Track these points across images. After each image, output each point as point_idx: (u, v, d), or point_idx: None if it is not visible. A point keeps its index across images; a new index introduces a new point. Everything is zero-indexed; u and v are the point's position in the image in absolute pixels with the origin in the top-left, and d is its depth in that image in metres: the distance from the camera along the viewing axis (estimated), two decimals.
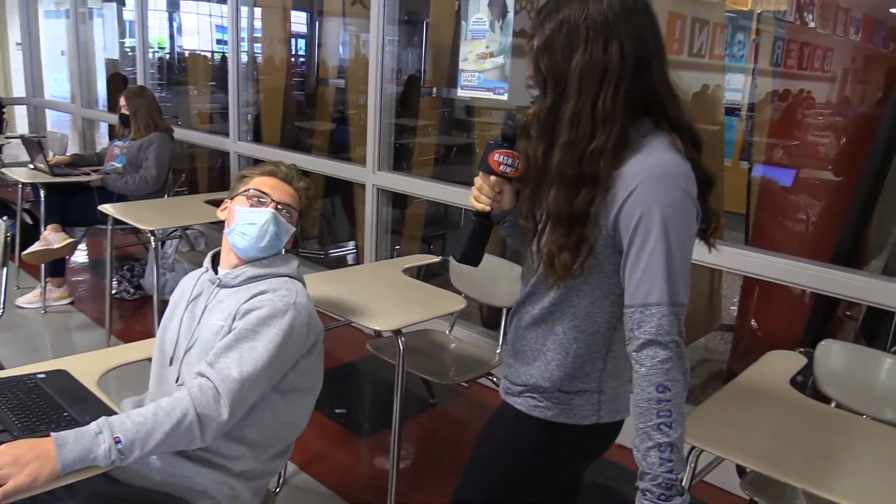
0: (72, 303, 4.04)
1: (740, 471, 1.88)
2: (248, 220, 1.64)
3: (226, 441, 1.52)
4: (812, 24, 3.22)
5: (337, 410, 3.03)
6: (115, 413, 1.43)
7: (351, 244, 5.04)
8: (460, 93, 3.29)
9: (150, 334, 3.60)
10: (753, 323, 3.32)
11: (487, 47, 3.12)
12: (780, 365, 1.98)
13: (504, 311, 2.66)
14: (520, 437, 1.37)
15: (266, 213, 1.64)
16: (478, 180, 1.32)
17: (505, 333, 2.68)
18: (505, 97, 3.10)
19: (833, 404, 1.90)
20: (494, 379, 2.58)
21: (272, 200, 1.66)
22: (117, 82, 6.58)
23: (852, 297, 2.27)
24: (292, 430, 1.66)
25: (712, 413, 1.69)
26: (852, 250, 2.53)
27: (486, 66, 3.13)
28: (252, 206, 1.66)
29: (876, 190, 2.48)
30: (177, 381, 1.62)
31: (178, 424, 1.36)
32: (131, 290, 4.15)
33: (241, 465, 1.55)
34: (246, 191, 1.69)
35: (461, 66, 3.23)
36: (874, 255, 2.78)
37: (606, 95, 1.13)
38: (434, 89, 4.43)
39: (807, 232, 2.96)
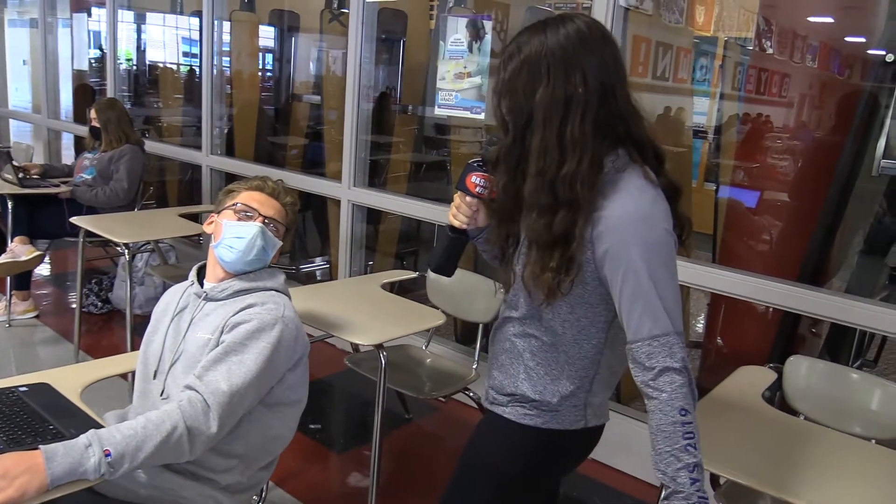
0: (37, 316, 3.96)
1: (714, 482, 1.93)
2: (236, 234, 1.65)
3: (213, 454, 1.52)
4: (770, 51, 3.34)
5: (312, 426, 3.02)
6: (101, 426, 1.43)
7: (321, 259, 5.04)
8: (437, 111, 3.33)
9: (119, 349, 3.58)
10: (719, 340, 3.41)
11: (465, 67, 3.17)
12: (751, 380, 2.05)
13: (480, 327, 2.69)
14: (510, 444, 1.38)
15: (254, 227, 1.65)
16: (456, 198, 1.36)
17: (484, 348, 2.71)
18: (482, 116, 3.16)
19: (802, 417, 1.97)
20: (471, 394, 2.61)
21: (260, 215, 1.68)
22: (84, 93, 6.50)
23: (817, 314, 2.36)
24: (278, 443, 1.66)
25: None
26: (817, 269, 2.62)
27: (463, 86, 3.19)
28: (240, 219, 1.67)
29: (839, 213, 2.58)
30: (161, 395, 1.61)
31: (167, 437, 1.36)
32: (99, 303, 4.08)
33: (227, 479, 1.55)
34: (234, 205, 1.70)
35: (439, 84, 3.28)
36: (835, 274, 2.89)
37: (574, 124, 1.16)
38: (410, 107, 4.47)
39: (770, 251, 3.07)
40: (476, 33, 3.13)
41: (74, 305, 4.16)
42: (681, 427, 1.14)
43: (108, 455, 1.28)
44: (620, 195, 1.18)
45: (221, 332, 1.56)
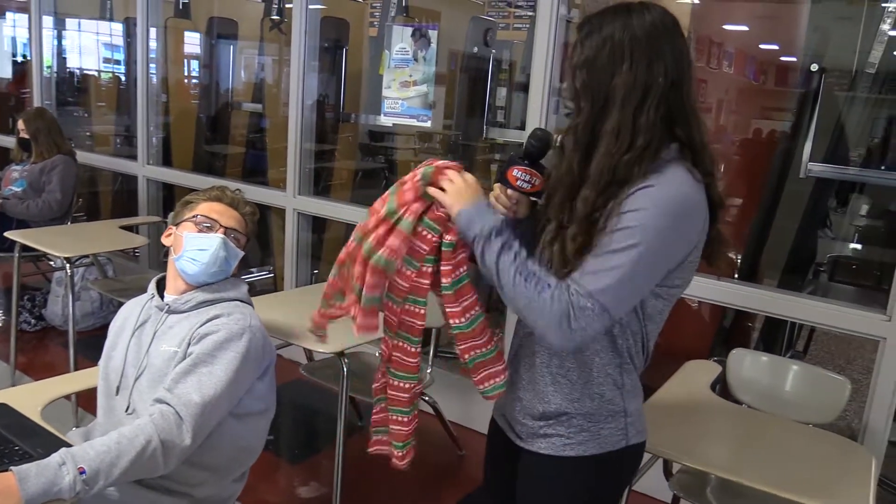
0: None
1: (667, 473, 2.03)
2: (197, 247, 1.64)
3: (186, 467, 1.50)
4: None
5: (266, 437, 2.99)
6: (68, 444, 1.40)
7: (261, 269, 4.97)
8: (383, 119, 3.37)
9: (57, 366, 3.46)
10: (659, 338, 3.54)
11: (411, 76, 3.22)
12: (698, 373, 2.16)
13: (434, 332, 2.73)
14: (560, 487, 1.32)
15: (216, 238, 1.65)
16: (497, 189, 1.35)
17: (437, 353, 2.75)
18: (428, 124, 3.21)
19: (745, 406, 2.10)
20: (426, 398, 2.65)
21: (221, 226, 1.67)
22: (3, 103, 6.23)
23: (757, 309, 2.50)
24: (249, 453, 1.66)
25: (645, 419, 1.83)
26: (752, 268, 2.78)
27: (409, 94, 3.23)
28: (200, 231, 1.66)
29: (770, 215, 2.74)
30: (127, 411, 1.59)
31: (142, 452, 1.35)
32: (32, 321, 3.92)
33: (202, 492, 1.54)
34: (193, 217, 1.68)
35: (384, 92, 3.31)
36: (766, 272, 3.06)
37: (649, 112, 1.16)
38: (353, 115, 4.48)
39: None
40: (422, 43, 3.18)
41: (1, 324, 4.00)
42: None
43: (82, 472, 1.27)
44: (660, 177, 1.16)
45: (188, 344, 1.55)
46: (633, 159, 1.16)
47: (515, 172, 1.33)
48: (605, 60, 1.18)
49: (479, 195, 1.26)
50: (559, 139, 1.31)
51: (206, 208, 1.70)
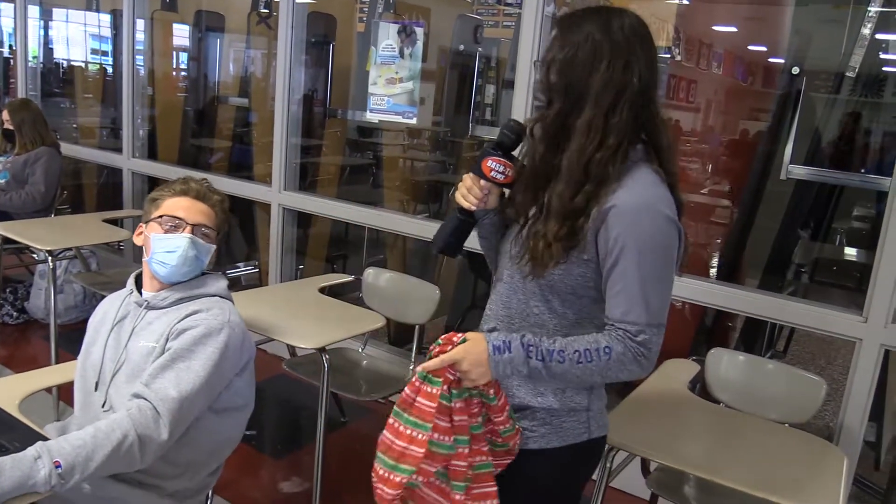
0: None
1: (645, 471, 2.05)
2: (165, 249, 1.61)
3: (161, 462, 1.50)
4: (678, 58, 3.52)
5: (247, 432, 2.97)
6: (45, 438, 1.39)
7: (247, 263, 4.95)
8: (369, 116, 3.36)
9: (39, 359, 3.44)
10: None
11: (397, 73, 3.22)
12: (676, 372, 2.18)
13: (417, 329, 2.74)
14: (523, 480, 1.35)
15: (182, 239, 1.61)
16: (467, 180, 1.36)
17: (420, 350, 2.76)
18: (414, 121, 3.21)
19: (722, 405, 2.12)
20: None
21: (187, 224, 1.63)
22: None
23: (736, 309, 2.53)
24: (226, 447, 1.67)
25: (623, 416, 1.84)
26: (733, 269, 2.80)
27: (395, 91, 3.23)
28: (167, 232, 1.62)
29: (751, 216, 2.76)
30: (103, 407, 1.59)
31: (118, 446, 1.35)
32: (14, 313, 3.89)
33: (174, 485, 1.54)
34: (159, 217, 1.65)
35: (371, 89, 3.31)
36: (748, 272, 3.09)
37: (622, 112, 1.21)
38: (339, 110, 4.47)
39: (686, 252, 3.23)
40: (408, 39, 3.18)
41: None
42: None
43: (58, 466, 1.27)
44: (630, 182, 1.22)
45: (167, 340, 1.55)
46: (606, 158, 1.21)
47: (490, 163, 1.34)
48: (583, 58, 1.22)
49: (482, 340, 1.24)
50: (529, 128, 1.32)
51: (171, 206, 1.65)
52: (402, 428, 1.22)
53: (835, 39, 2.79)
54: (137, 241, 1.70)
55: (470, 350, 1.21)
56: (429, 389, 1.21)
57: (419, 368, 1.23)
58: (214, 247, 1.69)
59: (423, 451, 1.19)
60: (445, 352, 1.23)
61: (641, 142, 1.26)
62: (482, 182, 1.35)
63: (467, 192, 1.36)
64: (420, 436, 1.20)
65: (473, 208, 1.37)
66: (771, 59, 3.29)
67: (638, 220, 1.20)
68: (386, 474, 1.23)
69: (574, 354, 1.21)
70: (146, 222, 1.68)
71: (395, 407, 1.25)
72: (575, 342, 1.22)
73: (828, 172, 2.72)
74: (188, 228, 1.63)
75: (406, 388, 1.24)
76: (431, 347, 1.26)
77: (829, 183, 2.85)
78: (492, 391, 1.26)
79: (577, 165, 1.22)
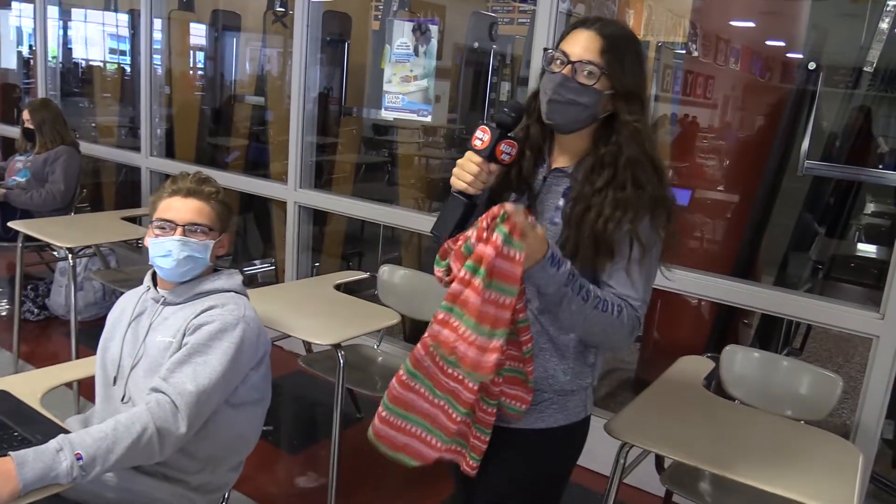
0: None
1: (659, 467, 2.05)
2: (158, 253, 1.63)
3: (182, 456, 1.53)
4: (695, 54, 3.50)
5: (264, 428, 3.01)
6: (66, 431, 1.42)
7: (262, 261, 4.99)
8: (384, 113, 3.38)
9: (60, 356, 3.49)
10: (656, 334, 3.56)
11: (411, 70, 3.23)
12: (691, 368, 2.18)
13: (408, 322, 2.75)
14: (530, 460, 1.41)
15: (172, 242, 1.61)
16: (467, 164, 1.32)
17: None
18: (429, 119, 3.22)
19: (736, 402, 2.11)
20: None
21: (177, 226, 1.63)
22: (8, 93, 6.27)
23: (750, 306, 2.51)
24: (245, 442, 1.69)
25: (637, 413, 1.85)
26: (749, 265, 2.79)
27: (410, 89, 3.24)
28: (158, 236, 1.64)
29: (767, 213, 2.75)
30: (123, 400, 1.62)
31: (138, 439, 1.37)
32: (35, 310, 3.95)
33: (199, 479, 1.57)
34: (152, 222, 1.67)
35: (385, 87, 3.32)
36: (765, 269, 3.08)
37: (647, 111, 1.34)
38: (354, 108, 4.50)
39: (701, 248, 3.23)
40: (423, 38, 3.19)
41: (4, 313, 4.04)
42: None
43: (79, 458, 1.29)
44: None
45: (183, 335, 1.58)
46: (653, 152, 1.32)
47: (503, 147, 1.33)
48: (631, 56, 1.31)
49: (545, 243, 1.23)
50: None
51: (163, 208, 1.66)
52: (491, 295, 1.17)
53: (853, 34, 2.77)
54: (146, 243, 1.71)
55: (532, 245, 1.19)
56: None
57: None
58: (211, 242, 1.66)
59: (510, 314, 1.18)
60: (489, 225, 1.20)
61: None
62: (492, 166, 1.34)
63: (472, 177, 1.33)
64: (507, 301, 1.18)
65: (478, 192, 1.35)
66: (789, 55, 3.27)
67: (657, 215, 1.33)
68: (485, 342, 1.16)
69: (595, 299, 1.25)
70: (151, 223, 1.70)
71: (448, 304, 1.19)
72: (597, 290, 1.28)
73: (844, 168, 2.70)
74: (178, 230, 1.63)
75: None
76: (479, 221, 1.22)
77: (845, 179, 2.83)
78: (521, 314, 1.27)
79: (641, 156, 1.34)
